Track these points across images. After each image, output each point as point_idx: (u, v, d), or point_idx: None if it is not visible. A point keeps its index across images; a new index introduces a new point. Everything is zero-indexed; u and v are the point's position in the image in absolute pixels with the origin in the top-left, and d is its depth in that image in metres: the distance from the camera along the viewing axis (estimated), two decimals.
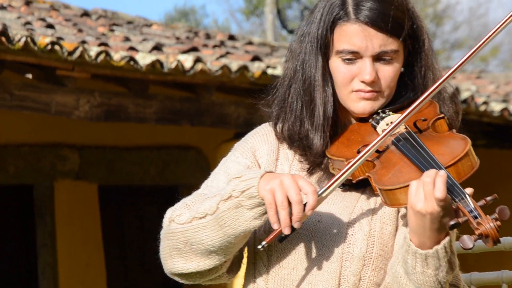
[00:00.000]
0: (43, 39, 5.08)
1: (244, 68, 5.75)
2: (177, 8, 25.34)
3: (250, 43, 7.72)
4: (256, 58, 6.10)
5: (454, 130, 1.92)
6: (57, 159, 6.67)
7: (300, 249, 1.94)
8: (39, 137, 6.61)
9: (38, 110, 5.26)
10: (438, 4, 21.47)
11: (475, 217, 1.76)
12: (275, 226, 1.83)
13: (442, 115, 1.94)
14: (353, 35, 1.93)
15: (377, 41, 1.93)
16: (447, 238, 1.82)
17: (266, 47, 7.80)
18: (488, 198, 1.78)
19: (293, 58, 2.02)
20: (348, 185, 1.95)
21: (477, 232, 1.75)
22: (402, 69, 1.99)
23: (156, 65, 5.45)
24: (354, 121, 2.00)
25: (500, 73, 12.37)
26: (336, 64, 1.97)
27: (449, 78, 1.92)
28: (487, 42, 1.92)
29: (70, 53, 5.13)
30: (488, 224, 1.74)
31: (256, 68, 5.84)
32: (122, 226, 7.13)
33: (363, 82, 1.94)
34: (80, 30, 6.18)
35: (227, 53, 6.26)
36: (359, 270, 1.92)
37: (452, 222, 1.76)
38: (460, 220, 1.76)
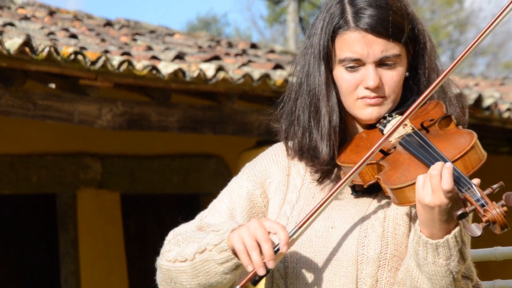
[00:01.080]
0: (66, 49, 5.12)
1: (266, 77, 5.76)
2: (199, 17, 25.41)
3: (272, 51, 7.73)
4: (278, 66, 6.10)
5: (460, 127, 1.93)
6: (79, 168, 6.70)
7: (316, 257, 1.96)
8: (62, 147, 6.64)
9: (61, 120, 5.29)
10: (462, 11, 21.39)
11: (482, 206, 1.77)
12: (249, 268, 1.85)
13: (448, 114, 1.95)
14: (354, 43, 1.94)
15: (378, 47, 1.94)
16: (457, 228, 1.83)
17: (288, 55, 7.81)
18: (494, 186, 1.79)
19: (298, 71, 2.04)
20: (361, 191, 1.97)
21: (484, 219, 1.76)
22: (407, 73, 2.00)
23: (178, 74, 5.47)
24: (361, 129, 2.01)
25: None
26: (340, 73, 1.98)
27: (448, 75, 1.93)
28: (481, 39, 1.94)
29: (93, 62, 5.16)
30: (494, 210, 1.75)
31: (278, 76, 5.85)
32: (144, 235, 7.15)
33: (367, 88, 1.96)
34: (103, 40, 6.21)
35: (249, 61, 6.27)
36: (375, 272, 1.93)
37: (459, 212, 1.77)
38: (468, 209, 1.78)
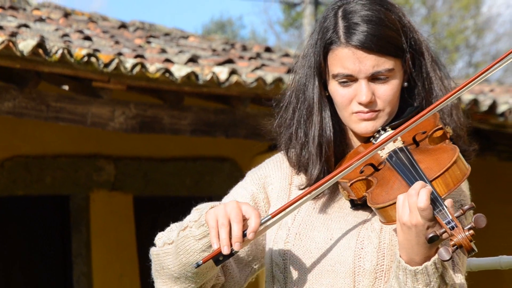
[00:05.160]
0: (80, 51, 5.13)
1: (279, 80, 5.76)
2: (214, 20, 25.43)
3: (286, 55, 7.73)
4: (291, 70, 6.09)
5: (447, 141, 1.93)
6: (93, 170, 6.72)
7: (315, 268, 1.96)
8: (76, 148, 6.67)
9: (74, 122, 5.31)
10: (479, 16, 21.32)
11: (452, 228, 1.76)
12: (214, 245, 1.86)
13: (440, 126, 1.94)
14: (345, 59, 1.95)
15: (370, 62, 1.94)
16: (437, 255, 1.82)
17: None
18: (465, 208, 1.79)
19: (296, 81, 2.05)
20: (360, 204, 1.97)
21: (451, 243, 1.75)
22: (406, 83, 2.00)
23: (191, 77, 5.48)
24: (359, 142, 2.02)
25: None
26: (334, 87, 1.98)
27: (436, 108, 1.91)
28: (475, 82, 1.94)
29: (106, 65, 5.17)
30: (460, 234, 1.74)
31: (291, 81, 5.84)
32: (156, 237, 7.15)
33: (360, 104, 1.96)
34: (117, 42, 6.23)
35: (263, 65, 6.27)
36: (371, 284, 1.93)
37: (430, 235, 1.77)
38: (438, 232, 1.77)
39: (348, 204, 1.99)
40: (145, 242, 8.14)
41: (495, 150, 7.05)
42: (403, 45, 1.96)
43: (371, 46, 1.93)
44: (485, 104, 6.60)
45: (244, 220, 1.86)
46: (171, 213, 8.23)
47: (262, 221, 1.87)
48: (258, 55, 7.09)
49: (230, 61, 6.16)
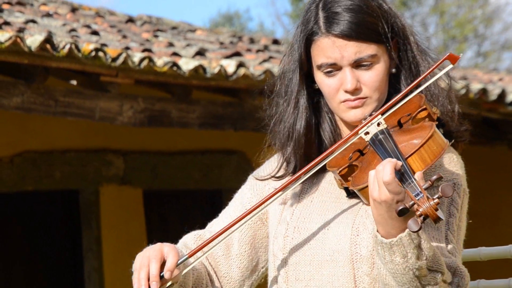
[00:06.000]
0: (87, 45, 5.14)
1: None
2: (221, 12, 25.43)
3: None
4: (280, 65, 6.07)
5: (427, 119, 1.94)
6: (102, 165, 6.73)
7: (314, 259, 1.98)
8: (84, 143, 6.68)
9: (82, 116, 5.32)
10: (487, 5, 21.26)
11: (420, 199, 1.78)
12: (135, 286, 1.95)
13: (424, 107, 1.95)
14: (327, 48, 1.96)
15: (351, 49, 1.95)
16: None
17: None
18: (433, 178, 1.79)
19: (283, 76, 2.06)
20: (354, 192, 1.97)
21: (417, 213, 1.77)
22: (393, 70, 2.01)
23: (199, 71, 5.48)
24: (349, 131, 2.03)
25: None
26: (320, 78, 2.00)
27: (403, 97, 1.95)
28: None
29: (114, 59, 5.17)
30: (425, 204, 1.76)
31: None
32: (166, 230, 7.17)
33: (347, 92, 1.97)
34: (124, 36, 6.23)
35: (270, 57, 6.26)
36: (370, 270, 1.94)
37: (399, 207, 1.78)
38: (407, 204, 1.78)
39: (343, 193, 2.01)
40: (155, 235, 8.18)
41: (504, 139, 7.03)
42: (385, 31, 1.98)
43: (351, 33, 1.95)
44: (494, 93, 6.59)
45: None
46: (180, 206, 8.28)
47: (179, 261, 1.94)
48: (265, 48, 7.08)
49: (237, 54, 6.15)
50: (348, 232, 1.95)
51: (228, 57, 5.99)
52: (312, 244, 1.97)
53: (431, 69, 1.96)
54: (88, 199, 6.73)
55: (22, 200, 6.63)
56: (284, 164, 2.05)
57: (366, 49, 1.96)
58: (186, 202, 7.31)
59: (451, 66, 1.95)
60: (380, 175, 1.80)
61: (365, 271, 1.94)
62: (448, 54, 1.95)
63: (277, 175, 2.06)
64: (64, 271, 6.81)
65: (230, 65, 5.62)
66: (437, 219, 1.76)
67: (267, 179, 2.08)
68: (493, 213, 7.72)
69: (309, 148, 2.02)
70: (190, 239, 2.13)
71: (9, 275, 6.61)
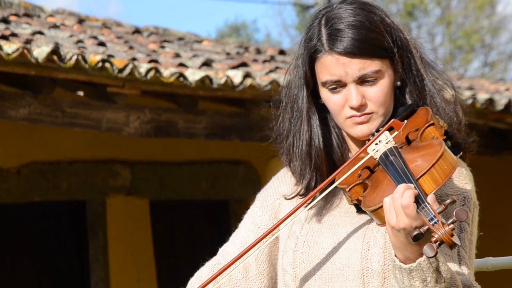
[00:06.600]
0: (94, 57, 5.15)
1: None
2: (228, 23, 25.46)
3: None
4: (284, 80, 6.07)
5: (435, 136, 1.93)
6: (109, 175, 6.73)
7: (324, 273, 1.98)
8: (91, 154, 6.69)
9: (89, 127, 5.32)
10: (494, 15, 21.25)
11: (434, 224, 1.77)
12: None
13: (432, 122, 1.94)
14: (331, 66, 1.96)
15: (355, 66, 1.95)
16: None
17: None
18: (447, 202, 1.78)
19: (290, 92, 2.06)
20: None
21: (433, 240, 1.76)
22: (398, 83, 2.01)
23: (205, 81, 5.48)
24: (357, 147, 2.03)
25: None
26: (325, 95, 2.00)
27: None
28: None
29: (120, 70, 5.18)
30: (440, 230, 1.75)
31: None
32: (173, 241, 7.17)
33: (352, 108, 1.97)
34: (131, 47, 6.24)
35: (277, 68, 6.27)
36: (381, 284, 1.94)
37: (414, 233, 1.77)
38: (422, 230, 1.77)
39: (353, 209, 2.00)
40: (162, 246, 8.15)
41: (511, 149, 7.02)
42: (388, 45, 1.98)
43: (354, 50, 1.95)
44: (500, 103, 6.58)
45: None
46: (187, 216, 8.25)
47: None
48: (272, 58, 7.09)
49: (244, 64, 6.16)
50: (359, 247, 1.95)
51: (235, 67, 5.99)
52: (322, 258, 1.97)
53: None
54: (95, 210, 6.74)
55: (29, 211, 6.64)
56: (302, 180, 2.04)
57: (370, 65, 1.95)
58: (193, 212, 7.31)
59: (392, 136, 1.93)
60: (398, 203, 1.79)
61: (376, 285, 1.93)
62: (392, 121, 1.96)
63: (300, 193, 2.04)
64: (71, 281, 6.81)
65: (236, 76, 5.62)
66: (452, 245, 1.75)
67: (293, 197, 2.05)
68: (501, 223, 7.70)
69: (327, 163, 2.02)
70: (205, 272, 2.10)
71: (17, 284, 6.61)
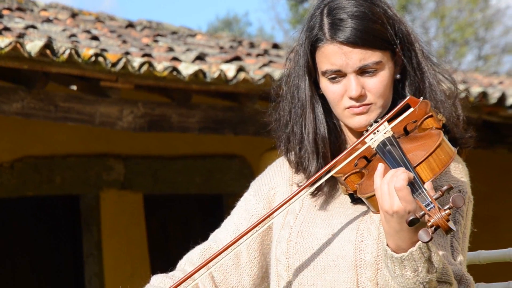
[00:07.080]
0: (87, 51, 5.14)
1: None
2: (219, 17, 25.43)
3: None
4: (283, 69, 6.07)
5: (434, 127, 1.93)
6: (102, 170, 6.73)
7: (317, 264, 1.98)
8: (85, 148, 6.68)
9: (83, 121, 5.32)
10: (488, 9, 21.26)
11: (430, 210, 1.77)
12: None
13: (430, 114, 1.94)
14: (332, 55, 1.96)
15: (356, 56, 1.95)
16: None
17: None
18: (443, 188, 1.78)
19: (291, 81, 2.06)
20: (359, 198, 1.97)
21: (428, 224, 1.76)
22: (398, 75, 2.01)
23: (199, 75, 5.48)
24: (354, 138, 2.03)
25: None
26: (325, 84, 2.00)
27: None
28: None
29: (114, 64, 5.18)
30: (436, 214, 1.75)
31: None
32: (167, 235, 7.17)
33: (351, 98, 1.97)
34: (124, 42, 6.23)
35: (270, 61, 6.27)
36: (374, 275, 1.94)
37: (410, 218, 1.77)
38: (418, 215, 1.77)
39: (348, 199, 2.00)
40: (156, 240, 8.14)
41: (505, 142, 7.03)
42: (390, 37, 1.98)
43: (356, 40, 1.94)
44: (494, 96, 6.59)
45: None
46: (180, 211, 8.25)
47: None
48: (265, 52, 7.09)
49: (237, 58, 6.15)
50: (353, 238, 1.95)
51: (228, 61, 5.99)
52: (316, 249, 1.97)
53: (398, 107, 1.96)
54: (89, 204, 6.73)
55: (23, 206, 6.63)
56: (304, 169, 2.03)
57: (371, 56, 1.95)
58: (187, 206, 7.31)
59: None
60: (391, 184, 1.79)
61: (369, 277, 1.94)
62: (408, 97, 1.96)
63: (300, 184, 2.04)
64: (65, 276, 6.81)
65: (230, 70, 5.62)
66: (448, 230, 1.75)
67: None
68: (494, 216, 7.71)
69: (331, 151, 2.02)
70: (196, 255, 2.11)
71: (11, 280, 6.61)
